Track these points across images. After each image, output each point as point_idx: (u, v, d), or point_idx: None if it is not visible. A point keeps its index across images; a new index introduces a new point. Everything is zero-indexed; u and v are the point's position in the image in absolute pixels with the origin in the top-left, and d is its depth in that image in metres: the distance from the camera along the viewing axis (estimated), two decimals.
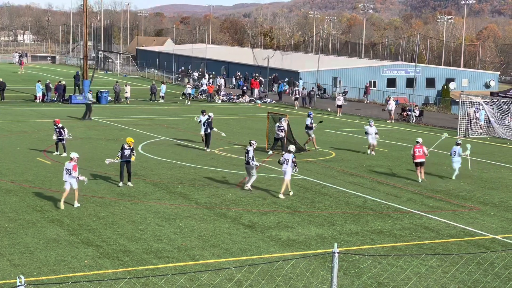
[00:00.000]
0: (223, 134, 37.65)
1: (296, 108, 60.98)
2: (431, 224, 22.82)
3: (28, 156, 32.79)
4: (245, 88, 71.03)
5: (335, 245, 12.13)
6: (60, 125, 33.27)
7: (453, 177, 30.56)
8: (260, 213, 23.36)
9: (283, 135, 35.67)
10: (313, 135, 37.58)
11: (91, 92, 49.86)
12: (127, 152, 26.85)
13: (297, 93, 63.68)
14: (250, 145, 27.17)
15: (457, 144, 30.95)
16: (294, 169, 26.12)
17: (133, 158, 27.16)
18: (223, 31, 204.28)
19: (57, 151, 33.46)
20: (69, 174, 23.14)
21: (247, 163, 26.82)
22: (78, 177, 23.23)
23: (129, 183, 27.00)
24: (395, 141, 41.27)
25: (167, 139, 39.70)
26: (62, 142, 33.25)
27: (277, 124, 35.85)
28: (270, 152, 35.59)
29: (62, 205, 23.16)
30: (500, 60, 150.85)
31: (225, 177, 29.24)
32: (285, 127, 35.76)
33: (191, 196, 25.58)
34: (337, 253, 11.82)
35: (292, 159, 25.84)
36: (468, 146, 31.74)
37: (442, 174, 31.74)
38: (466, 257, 19.07)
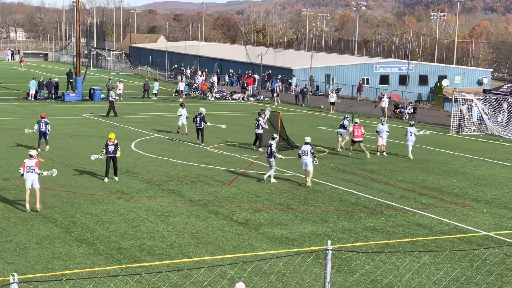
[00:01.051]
0: (223, 126, 38.78)
1: (276, 104, 61.40)
2: (424, 221, 22.88)
3: (21, 154, 32.69)
4: (245, 85, 70.92)
5: (329, 242, 12.15)
6: (46, 120, 33.71)
7: (410, 156, 34.75)
8: (253, 210, 23.37)
9: (266, 128, 35.93)
10: (346, 137, 36.91)
11: (113, 90, 50.43)
12: (111, 148, 27.15)
13: (277, 89, 64.61)
14: (273, 139, 28.21)
15: (411, 126, 35.14)
16: (315, 161, 27.48)
17: (118, 154, 27.33)
18: (216, 28, 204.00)
19: (39, 145, 33.77)
20: (31, 172, 22.31)
21: (270, 156, 27.61)
22: (41, 174, 22.77)
23: (115, 178, 27.22)
24: (388, 139, 41.29)
25: (160, 137, 39.67)
26: (45, 137, 33.69)
27: (259, 118, 35.84)
28: (260, 149, 35.67)
29: (28, 207, 22.38)
30: (493, 57, 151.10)
31: (249, 171, 29.27)
32: (267, 117, 36.11)
33: (184, 193, 25.58)
34: (331, 250, 11.84)
35: (310, 150, 27.34)
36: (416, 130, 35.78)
37: (434, 171, 31.83)
38: (459, 254, 19.12)
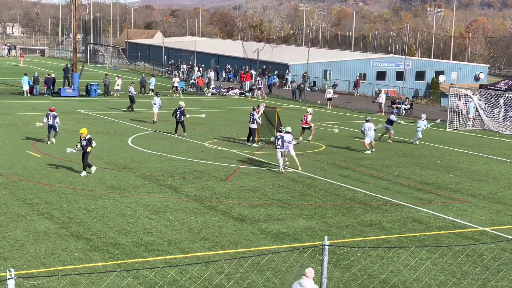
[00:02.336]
0: (202, 115, 40.40)
1: (260, 97, 62.77)
2: (421, 216, 22.91)
3: (17, 149, 32.70)
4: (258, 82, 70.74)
5: (325, 237, 12.18)
6: (55, 113, 34.30)
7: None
8: (250, 206, 23.39)
9: (260, 123, 36.02)
10: (392, 131, 38.47)
11: (133, 85, 51.58)
12: (83, 143, 27.55)
13: (260, 83, 65.73)
14: (280, 132, 29.98)
15: (367, 121, 34.92)
16: (295, 144, 30.00)
17: (89, 149, 27.54)
18: (213, 23, 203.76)
19: (49, 140, 34.52)
20: None
21: (282, 147, 29.05)
22: None
23: (82, 173, 27.43)
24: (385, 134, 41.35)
25: (157, 132, 39.65)
26: (55, 130, 34.34)
27: (253, 113, 35.82)
28: (255, 144, 35.71)
29: None
30: (489, 52, 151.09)
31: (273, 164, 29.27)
32: (261, 112, 36.25)
33: (181, 189, 25.58)
34: (327, 245, 11.86)
35: (292, 139, 29.41)
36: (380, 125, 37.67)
37: (431, 166, 31.87)
38: (455, 249, 19.16)
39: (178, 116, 37.90)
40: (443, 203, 24.97)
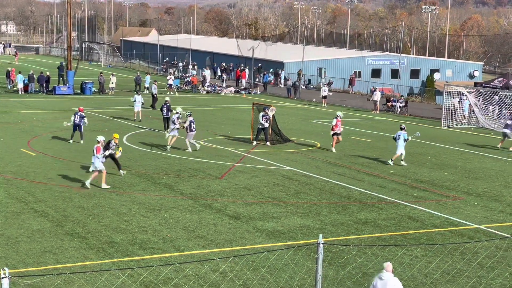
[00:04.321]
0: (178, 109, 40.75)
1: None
2: (416, 214, 22.94)
3: (12, 147, 32.63)
4: (257, 80, 70.79)
5: (320, 235, 12.18)
6: (82, 113, 34.54)
7: (403, 162, 31.21)
8: (245, 204, 23.39)
9: (267, 125, 35.59)
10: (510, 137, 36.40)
11: (156, 83, 52.06)
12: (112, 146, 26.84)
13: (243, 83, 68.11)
14: (190, 116, 32.77)
15: (402, 129, 31.30)
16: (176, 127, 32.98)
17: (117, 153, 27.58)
18: (208, 21, 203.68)
19: (71, 138, 34.65)
20: (93, 155, 24.86)
21: (194, 130, 32.75)
22: (100, 157, 24.72)
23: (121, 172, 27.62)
24: (380, 132, 41.38)
25: (152, 130, 39.60)
26: (80, 130, 34.51)
27: (262, 113, 35.70)
28: (254, 143, 35.63)
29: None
30: (484, 50, 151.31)
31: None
32: (270, 116, 35.69)
33: (176, 187, 25.57)
34: (322, 243, 11.87)
35: (176, 118, 32.96)
36: (418, 133, 32.86)
37: (425, 164, 31.88)
38: (450, 247, 19.18)
39: (165, 112, 38.16)
40: (438, 200, 25.01)
